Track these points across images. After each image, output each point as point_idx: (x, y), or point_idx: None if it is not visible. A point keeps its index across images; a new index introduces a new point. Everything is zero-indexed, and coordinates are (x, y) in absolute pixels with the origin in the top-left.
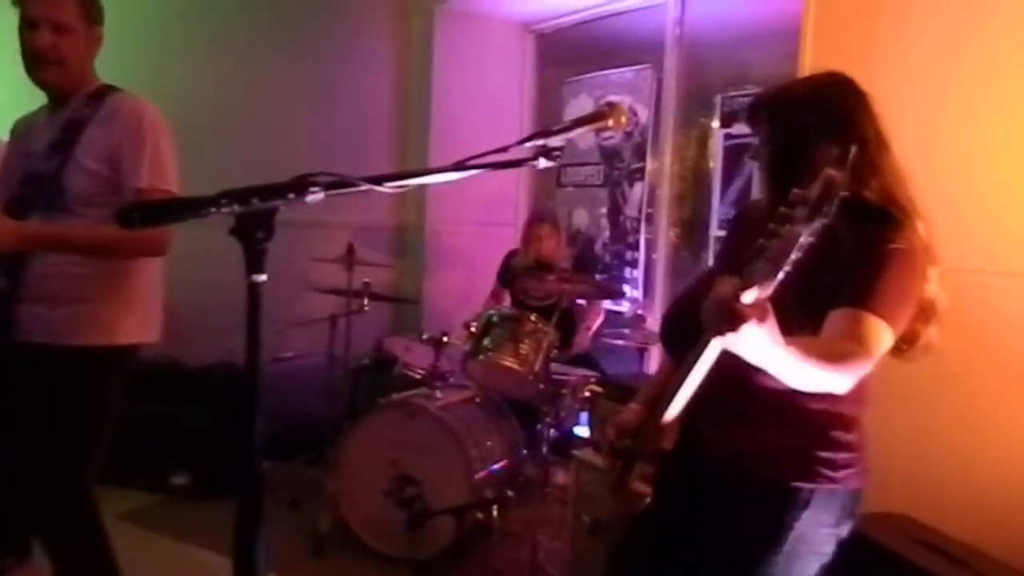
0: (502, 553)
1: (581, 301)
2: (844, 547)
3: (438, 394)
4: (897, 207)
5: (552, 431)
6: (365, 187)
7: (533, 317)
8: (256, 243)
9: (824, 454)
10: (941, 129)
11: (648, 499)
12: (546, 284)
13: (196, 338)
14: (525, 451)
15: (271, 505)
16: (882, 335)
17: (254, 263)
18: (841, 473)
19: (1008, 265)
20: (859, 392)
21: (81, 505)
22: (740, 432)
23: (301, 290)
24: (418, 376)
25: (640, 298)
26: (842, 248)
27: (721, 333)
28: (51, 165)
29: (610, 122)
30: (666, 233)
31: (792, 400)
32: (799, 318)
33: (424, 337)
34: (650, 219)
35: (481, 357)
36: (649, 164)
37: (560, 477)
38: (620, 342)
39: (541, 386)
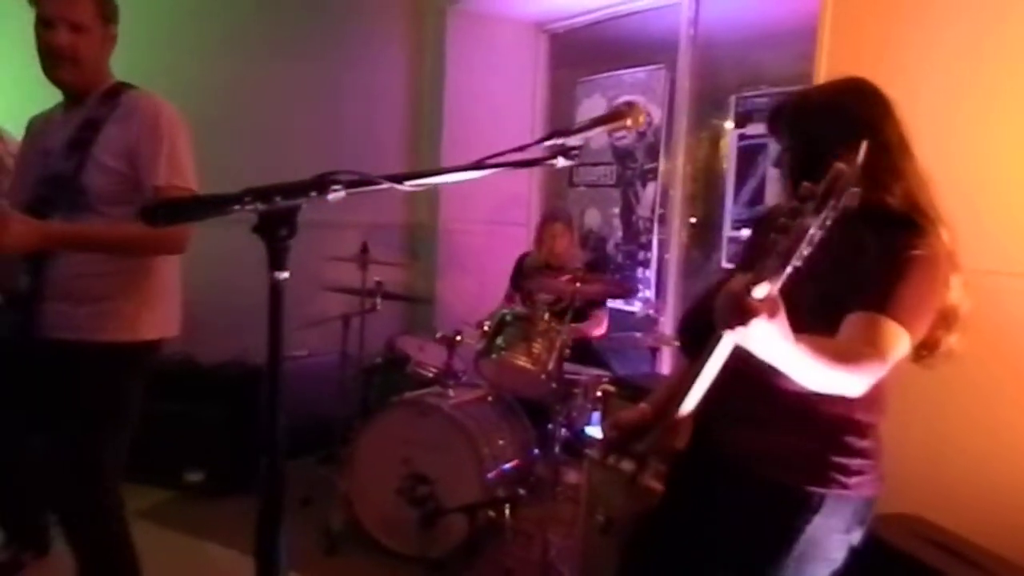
0: (513, 552)
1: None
2: (855, 555)
3: (450, 393)
4: (921, 214)
5: (564, 430)
6: (386, 185)
7: (546, 316)
8: (279, 241)
9: (837, 459)
10: (957, 129)
11: (659, 497)
12: (555, 284)
13: (209, 336)
14: (536, 450)
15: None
16: (899, 340)
17: (277, 260)
18: (854, 479)
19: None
20: (874, 399)
21: (105, 500)
22: (754, 434)
23: (314, 289)
24: (430, 375)
25: (652, 298)
26: (866, 255)
27: (731, 327)
28: (70, 165)
29: (628, 121)
30: (679, 234)
31: (807, 404)
32: (820, 323)
33: (437, 336)
34: (663, 220)
35: (494, 356)
36: (662, 164)
37: (571, 477)
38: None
39: (553, 385)
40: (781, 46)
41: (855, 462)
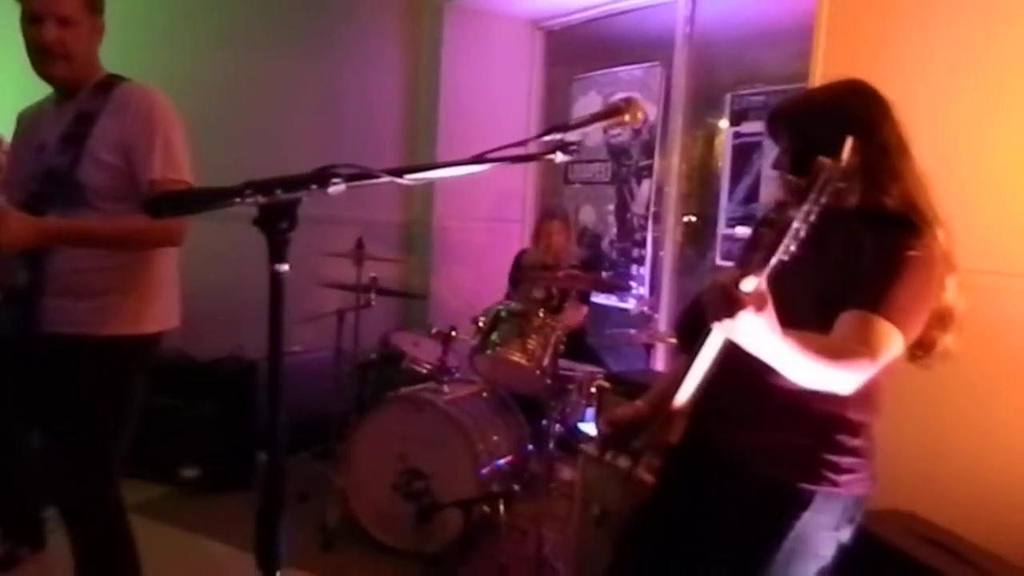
0: (508, 547)
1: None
2: (848, 551)
3: (445, 388)
4: (917, 214)
5: (558, 426)
6: (386, 179)
7: (541, 312)
8: (279, 233)
9: (829, 457)
10: (954, 129)
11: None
12: (544, 278)
13: (204, 332)
14: (531, 446)
15: None
16: (891, 340)
17: (277, 253)
18: (844, 477)
19: (1020, 267)
20: (867, 398)
21: (107, 494)
22: (747, 430)
23: (310, 285)
24: (425, 371)
25: (647, 295)
26: (863, 254)
27: (719, 319)
28: (64, 160)
29: (627, 117)
30: (673, 231)
31: (800, 401)
32: (818, 321)
33: (432, 332)
34: (657, 217)
35: (489, 352)
36: (657, 162)
37: (566, 473)
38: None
39: (548, 381)
40: (777, 44)
41: (846, 460)
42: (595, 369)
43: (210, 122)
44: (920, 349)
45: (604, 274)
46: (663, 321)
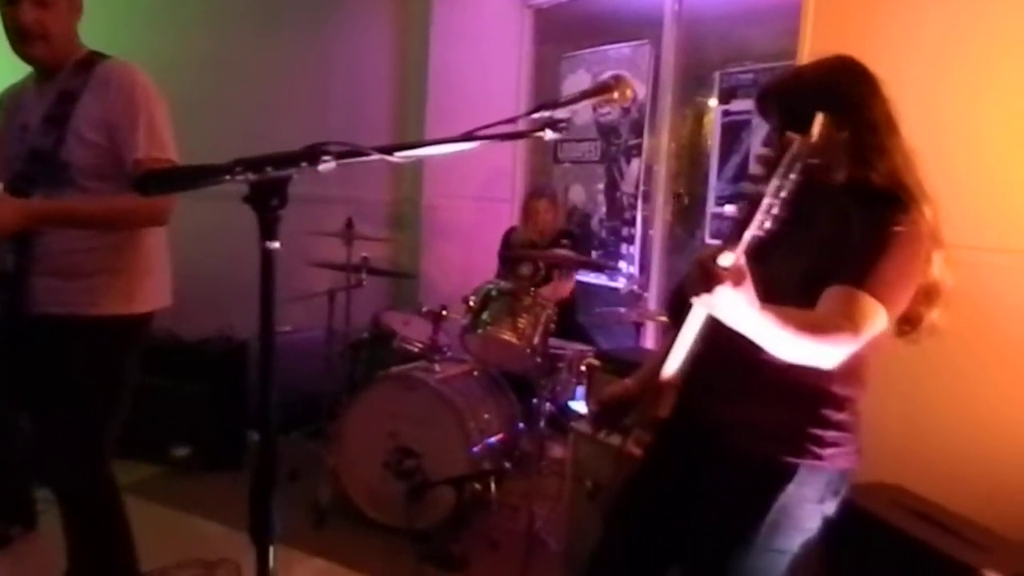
0: (499, 524)
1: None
2: (834, 523)
3: (436, 367)
4: (905, 191)
5: (549, 405)
6: (376, 157)
7: (532, 291)
8: (270, 211)
9: (813, 431)
10: (941, 105)
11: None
12: (533, 257)
13: (193, 311)
14: (522, 424)
15: None
16: (875, 315)
17: (268, 230)
18: (828, 451)
19: (1004, 242)
20: (851, 372)
21: (100, 474)
22: (735, 405)
23: (300, 264)
24: (416, 350)
25: (636, 274)
26: (850, 230)
27: (698, 294)
28: (49, 140)
29: (616, 94)
30: (663, 210)
31: (786, 377)
32: (806, 296)
33: (423, 311)
34: (647, 196)
35: (479, 331)
36: (646, 140)
37: (556, 451)
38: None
39: (539, 360)
40: (766, 22)
41: (830, 434)
42: (585, 347)
43: (195, 100)
44: (907, 324)
45: (594, 253)
46: (653, 299)
